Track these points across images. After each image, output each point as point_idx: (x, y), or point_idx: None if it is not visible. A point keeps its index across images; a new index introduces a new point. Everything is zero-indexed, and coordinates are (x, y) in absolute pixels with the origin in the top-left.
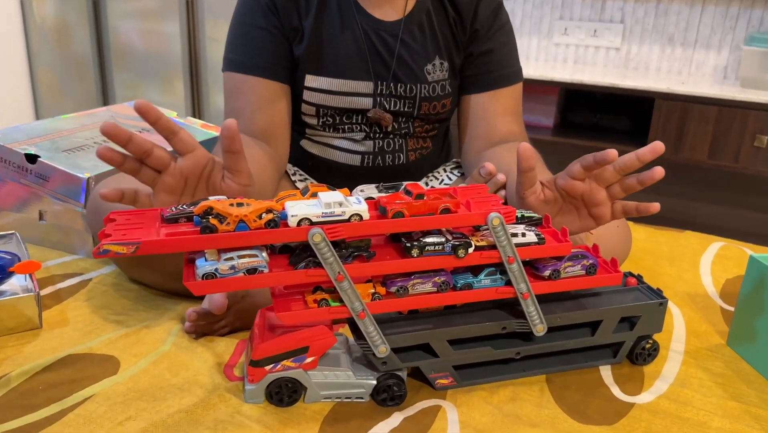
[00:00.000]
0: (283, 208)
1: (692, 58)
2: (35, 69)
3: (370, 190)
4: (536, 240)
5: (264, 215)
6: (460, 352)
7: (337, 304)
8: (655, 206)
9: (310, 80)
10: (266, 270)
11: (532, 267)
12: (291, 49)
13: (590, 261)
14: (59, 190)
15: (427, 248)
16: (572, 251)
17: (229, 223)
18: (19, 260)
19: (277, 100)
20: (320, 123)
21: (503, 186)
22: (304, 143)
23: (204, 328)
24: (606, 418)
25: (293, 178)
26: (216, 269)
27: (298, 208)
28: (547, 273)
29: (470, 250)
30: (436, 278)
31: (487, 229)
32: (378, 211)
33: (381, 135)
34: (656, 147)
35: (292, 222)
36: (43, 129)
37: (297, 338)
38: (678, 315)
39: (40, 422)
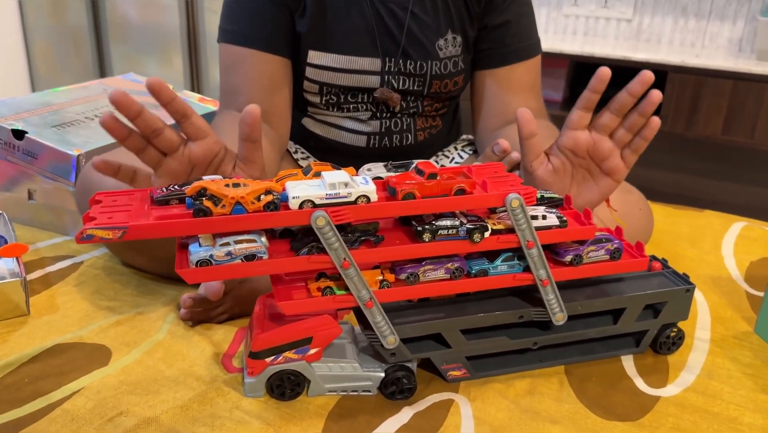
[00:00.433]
0: (284, 189)
1: (706, 29)
2: (30, 41)
3: (378, 169)
4: (558, 223)
5: (263, 197)
6: (473, 342)
7: (343, 292)
8: (656, 121)
9: (314, 56)
10: (266, 256)
11: (551, 252)
12: (293, 22)
13: (615, 245)
14: (48, 168)
15: (439, 232)
16: (595, 234)
17: (224, 205)
18: (6, 242)
19: (278, 77)
20: (323, 102)
21: (518, 165)
22: (306, 122)
23: (200, 315)
24: (630, 413)
25: (295, 156)
26: (211, 256)
27: (300, 190)
28: (568, 258)
29: (486, 234)
30: (449, 264)
31: (505, 211)
32: (387, 193)
33: (388, 114)
34: (644, 76)
35: (294, 204)
36: (31, 103)
37: (300, 329)
38: (702, 300)
39: (24, 419)
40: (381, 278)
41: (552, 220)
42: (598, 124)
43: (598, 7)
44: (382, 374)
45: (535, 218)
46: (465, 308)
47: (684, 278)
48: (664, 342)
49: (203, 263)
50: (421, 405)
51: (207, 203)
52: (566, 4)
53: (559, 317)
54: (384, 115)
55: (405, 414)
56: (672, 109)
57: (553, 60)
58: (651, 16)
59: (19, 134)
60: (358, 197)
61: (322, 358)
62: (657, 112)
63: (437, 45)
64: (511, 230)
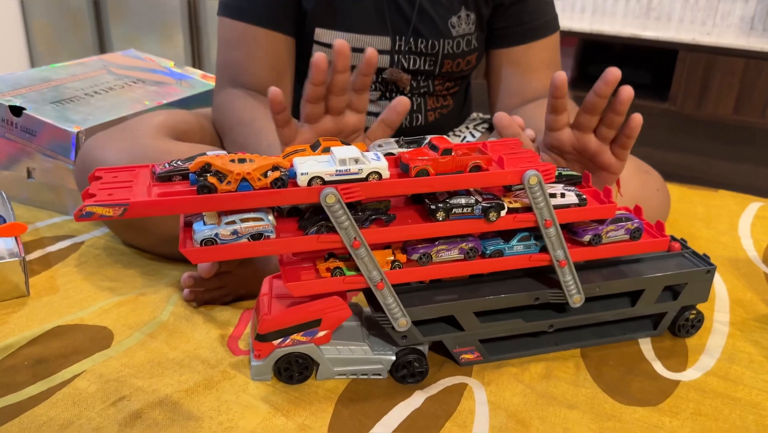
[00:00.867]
0: (292, 166)
1: (718, 7)
2: (29, 19)
3: (390, 145)
4: (577, 201)
5: (270, 173)
6: (487, 325)
7: (353, 273)
8: (636, 119)
9: (320, 34)
10: (273, 235)
11: (569, 231)
12: None
13: (635, 224)
14: (47, 146)
15: (454, 210)
16: (616, 213)
17: (230, 182)
18: (4, 221)
19: (283, 56)
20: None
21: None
22: None
23: (204, 295)
24: (650, 398)
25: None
26: (216, 234)
27: (308, 166)
28: (587, 238)
29: (502, 213)
30: (463, 244)
31: (522, 189)
32: (399, 169)
33: (398, 95)
34: (607, 75)
35: (302, 181)
36: (29, 79)
37: (308, 310)
38: (720, 282)
39: (24, 403)
40: (392, 258)
41: (571, 198)
42: (576, 123)
43: None
44: (393, 357)
45: (553, 195)
46: (479, 290)
47: (704, 259)
48: (683, 325)
49: (208, 242)
50: (434, 389)
51: (212, 179)
52: None
53: (577, 299)
54: (394, 95)
55: (417, 398)
56: (682, 88)
57: (561, 38)
58: None
59: (17, 111)
60: (370, 174)
61: (332, 340)
62: (666, 91)
63: (450, 23)
64: (528, 209)
